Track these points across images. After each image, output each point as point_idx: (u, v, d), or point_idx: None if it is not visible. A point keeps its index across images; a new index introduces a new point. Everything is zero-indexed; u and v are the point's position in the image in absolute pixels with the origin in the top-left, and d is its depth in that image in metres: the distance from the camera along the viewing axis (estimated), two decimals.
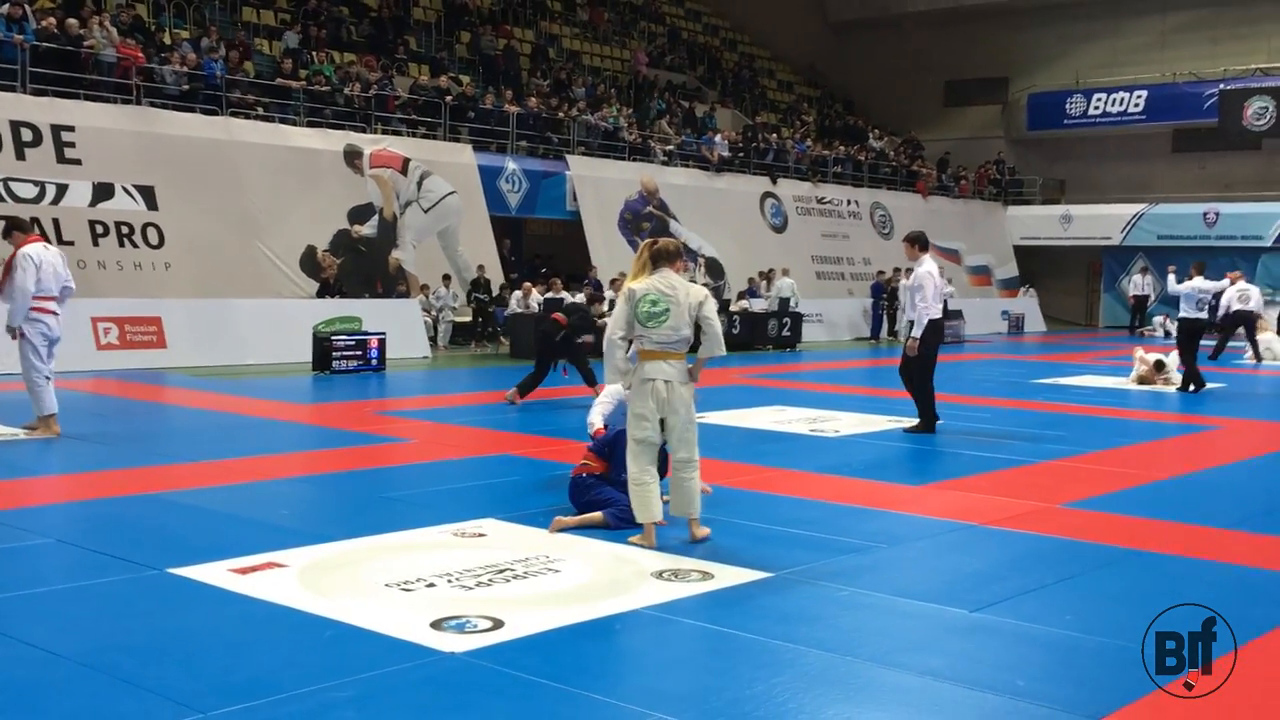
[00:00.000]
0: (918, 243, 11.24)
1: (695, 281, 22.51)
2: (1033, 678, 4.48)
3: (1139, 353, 16.72)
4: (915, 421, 11.13)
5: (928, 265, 11.03)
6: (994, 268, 34.63)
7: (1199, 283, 15.45)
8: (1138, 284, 31.47)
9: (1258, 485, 9.18)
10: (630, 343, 6.49)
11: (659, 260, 6.41)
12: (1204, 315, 15.46)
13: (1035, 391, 15.50)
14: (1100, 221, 34.44)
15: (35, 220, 16.36)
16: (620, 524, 6.64)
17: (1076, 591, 5.72)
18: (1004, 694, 4.31)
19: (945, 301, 11.49)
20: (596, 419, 7.74)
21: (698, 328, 6.40)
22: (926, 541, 6.76)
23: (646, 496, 6.37)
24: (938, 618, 5.25)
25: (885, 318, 26.39)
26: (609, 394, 7.89)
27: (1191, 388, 15.24)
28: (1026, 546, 6.67)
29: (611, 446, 7.05)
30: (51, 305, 9.82)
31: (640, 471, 6.39)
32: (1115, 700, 4.23)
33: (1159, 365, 15.86)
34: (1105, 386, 16.14)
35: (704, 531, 6.49)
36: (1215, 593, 5.68)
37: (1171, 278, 16.86)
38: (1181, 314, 15.39)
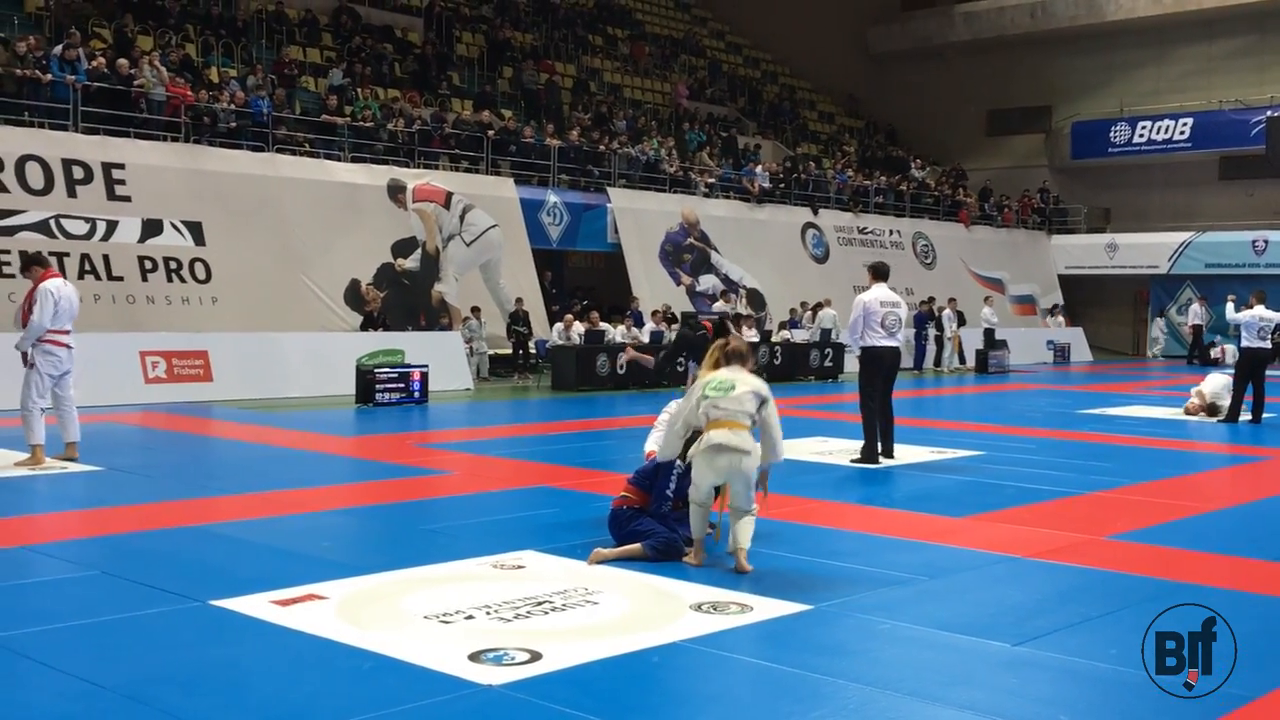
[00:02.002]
0: (871, 270, 11.33)
1: (738, 311, 22.70)
2: (1076, 713, 4.42)
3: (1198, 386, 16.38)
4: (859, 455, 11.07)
5: (868, 294, 11.02)
6: (1039, 297, 34.34)
7: (1260, 311, 14.98)
8: (1196, 313, 31.14)
9: None
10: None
11: (730, 359, 6.82)
12: (1267, 344, 15.03)
13: (1081, 422, 15.33)
14: (1146, 250, 34.09)
15: (85, 256, 16.75)
16: (659, 556, 6.63)
17: (1121, 625, 5.63)
18: None
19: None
20: (653, 445, 7.71)
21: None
22: (969, 574, 6.68)
23: (702, 515, 6.67)
24: (980, 651, 5.19)
25: (933, 347, 26.19)
26: (665, 422, 7.86)
27: (1249, 417, 15.00)
28: (1071, 579, 6.58)
29: (651, 479, 7.04)
30: (64, 339, 10.11)
31: (699, 507, 6.69)
32: None
33: (1212, 409, 15.53)
34: (1153, 417, 15.94)
35: (748, 567, 6.48)
36: (1263, 626, 5.59)
37: (1230, 305, 16.48)
38: (1244, 343, 15.09)
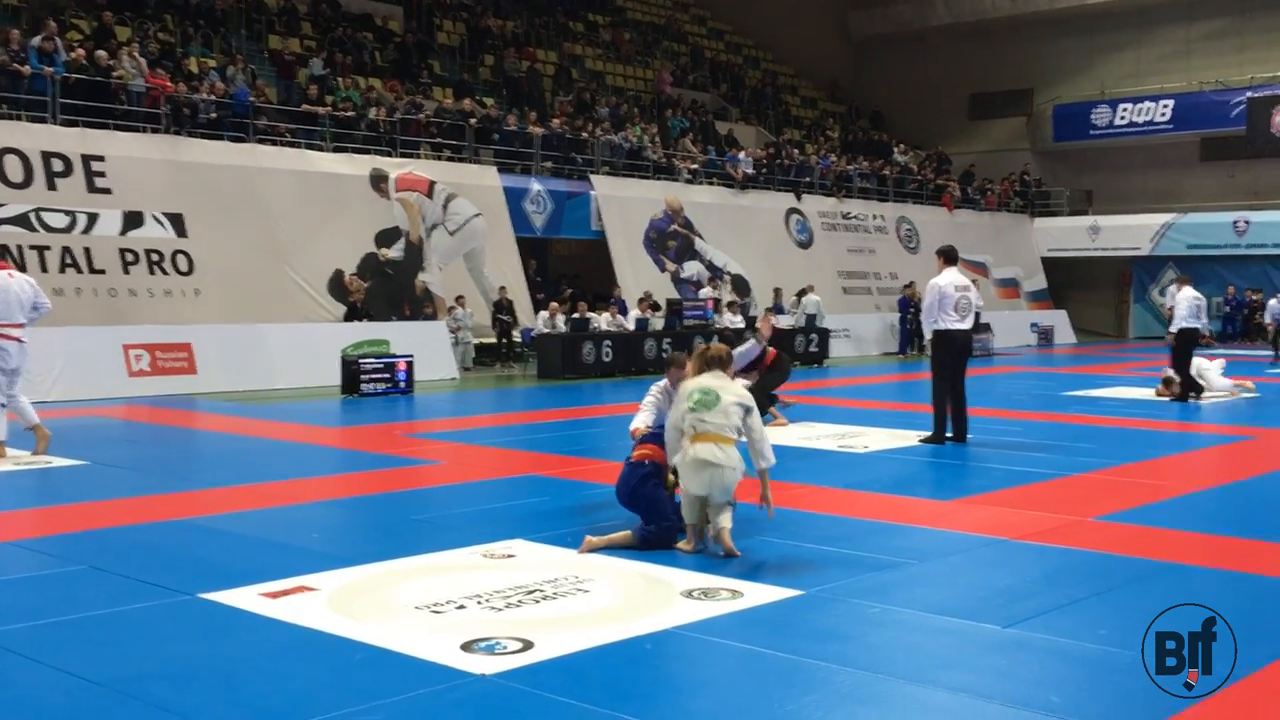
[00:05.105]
0: (941, 255, 11.70)
1: (721, 299, 22.74)
2: (1066, 694, 4.44)
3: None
4: (930, 433, 11.42)
5: (940, 277, 11.33)
6: (1022, 280, 34.44)
7: (1191, 291, 15.53)
8: (1173, 295, 31.24)
9: None
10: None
11: (711, 364, 6.85)
12: (1199, 324, 15.45)
13: (1066, 404, 15.40)
14: (1128, 232, 34.20)
15: (66, 250, 16.65)
16: (646, 546, 6.64)
17: (1110, 606, 5.67)
18: (1037, 710, 4.27)
19: (976, 314, 11.57)
20: (640, 425, 7.65)
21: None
22: (957, 557, 6.71)
23: (693, 505, 6.69)
24: (970, 634, 5.21)
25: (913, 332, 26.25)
26: (650, 404, 7.84)
27: (1192, 396, 15.28)
28: (1058, 561, 6.61)
29: (662, 441, 6.96)
30: (14, 333, 9.95)
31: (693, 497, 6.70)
32: (1150, 715, 4.18)
33: (1166, 381, 15.77)
34: (1136, 398, 16.01)
35: (733, 547, 6.51)
36: (1250, 605, 5.63)
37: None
38: (1184, 324, 15.30)
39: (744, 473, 6.63)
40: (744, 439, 6.67)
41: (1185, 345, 15.32)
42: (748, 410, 6.61)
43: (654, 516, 6.80)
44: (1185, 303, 15.38)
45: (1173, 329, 15.71)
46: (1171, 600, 5.59)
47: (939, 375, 11.36)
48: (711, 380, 6.71)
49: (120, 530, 7.40)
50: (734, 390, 6.71)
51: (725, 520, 6.56)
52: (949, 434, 11.31)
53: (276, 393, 16.26)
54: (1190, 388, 15.36)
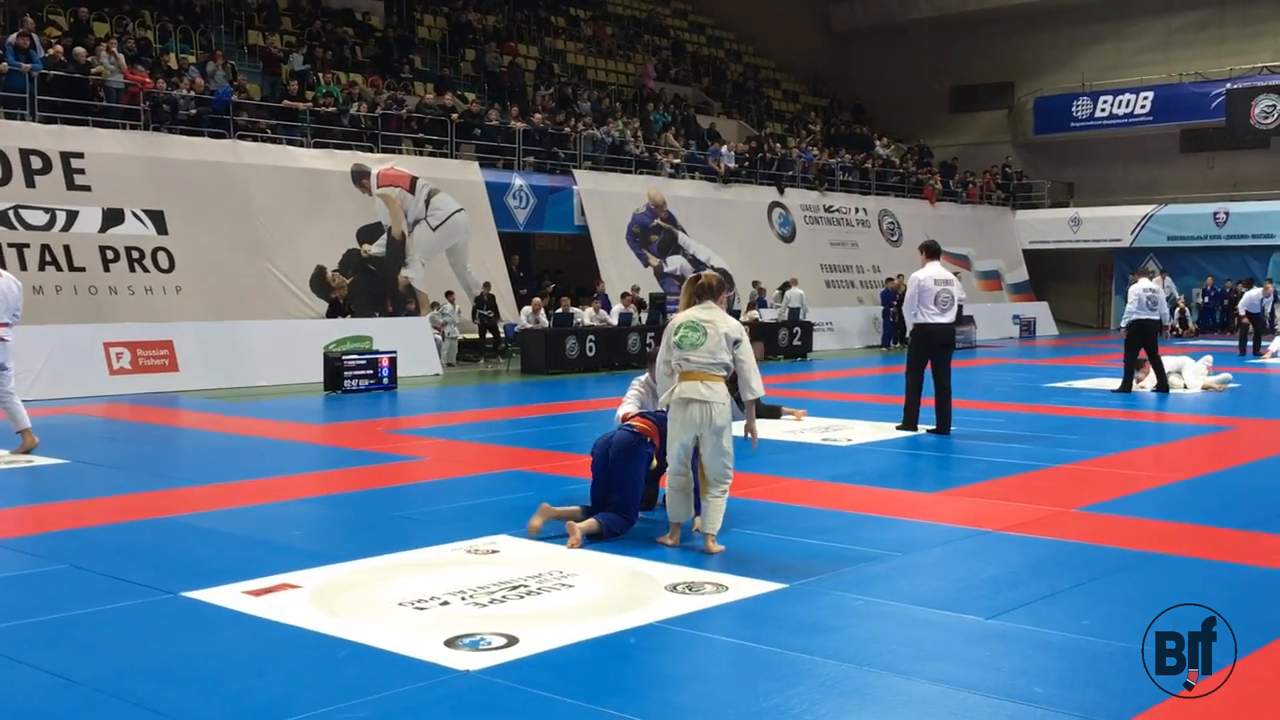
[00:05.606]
0: (923, 250, 11.87)
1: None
2: (1051, 684, 4.46)
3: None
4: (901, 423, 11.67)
5: (922, 271, 11.51)
6: (1004, 272, 34.54)
7: (1145, 283, 15.65)
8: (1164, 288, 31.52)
9: (1273, 485, 9.12)
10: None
11: (702, 294, 6.70)
12: (1154, 315, 15.53)
13: (1048, 395, 15.44)
14: (1110, 224, 34.34)
15: (46, 247, 16.54)
16: (610, 536, 6.69)
17: (1093, 596, 5.69)
18: (1022, 701, 4.28)
19: (959, 307, 11.83)
20: (629, 407, 7.62)
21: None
22: (941, 548, 6.73)
23: (681, 499, 6.64)
24: (954, 625, 5.22)
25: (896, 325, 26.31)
26: (633, 396, 7.83)
27: (1119, 386, 15.54)
28: (1042, 552, 6.64)
29: (661, 425, 6.87)
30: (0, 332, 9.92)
31: (679, 480, 6.66)
32: (1134, 705, 4.20)
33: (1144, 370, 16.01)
34: (1118, 389, 16.06)
35: (718, 548, 6.50)
36: (1233, 594, 5.66)
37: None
38: (1137, 316, 15.37)
39: (733, 408, 6.57)
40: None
41: (1138, 337, 15.43)
42: (736, 342, 6.47)
43: (621, 494, 6.78)
44: (1134, 296, 15.49)
45: (1123, 322, 15.85)
46: (1154, 590, 5.65)
47: (912, 368, 11.58)
48: (700, 313, 6.55)
49: (101, 529, 7.36)
50: (723, 322, 6.53)
51: (714, 523, 6.51)
52: (932, 426, 11.37)
53: (258, 390, 16.19)
54: (1130, 378, 15.54)
